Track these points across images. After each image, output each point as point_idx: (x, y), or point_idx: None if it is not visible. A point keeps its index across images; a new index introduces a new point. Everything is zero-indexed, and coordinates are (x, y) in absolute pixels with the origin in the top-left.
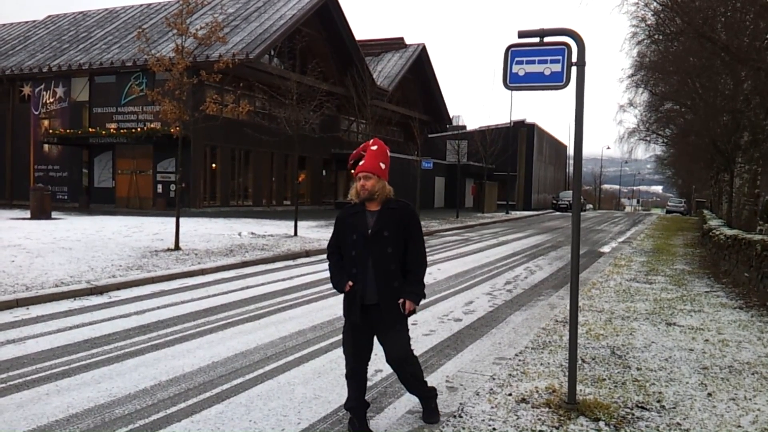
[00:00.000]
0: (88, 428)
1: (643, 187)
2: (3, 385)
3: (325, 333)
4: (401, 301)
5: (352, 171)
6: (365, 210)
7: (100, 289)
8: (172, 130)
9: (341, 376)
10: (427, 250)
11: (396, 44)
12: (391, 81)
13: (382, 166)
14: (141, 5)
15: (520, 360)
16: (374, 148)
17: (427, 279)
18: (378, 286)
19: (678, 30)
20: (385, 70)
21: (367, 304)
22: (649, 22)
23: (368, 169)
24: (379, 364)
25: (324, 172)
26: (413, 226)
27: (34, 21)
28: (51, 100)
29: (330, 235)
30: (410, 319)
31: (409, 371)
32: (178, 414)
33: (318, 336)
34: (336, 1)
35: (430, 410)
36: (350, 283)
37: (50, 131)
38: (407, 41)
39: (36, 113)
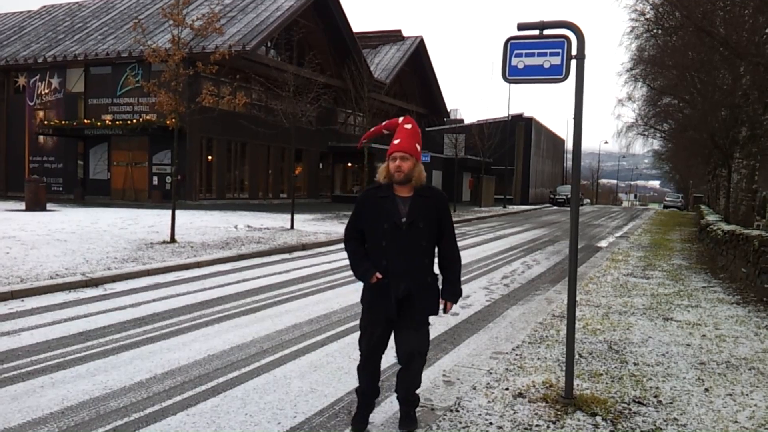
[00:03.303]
0: (83, 421)
1: (640, 182)
2: None
3: (321, 326)
4: (443, 302)
5: (357, 146)
6: (395, 195)
7: (95, 281)
8: (167, 122)
9: (338, 370)
10: None
11: (394, 36)
12: (389, 74)
13: (418, 147)
14: None
15: (517, 354)
16: (408, 126)
17: None
18: (411, 281)
19: (677, 24)
20: (383, 63)
21: (398, 298)
22: (648, 16)
23: (406, 149)
24: None
25: (321, 165)
26: (447, 217)
27: (29, 11)
28: (46, 90)
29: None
30: None
31: (417, 368)
32: (173, 407)
33: (314, 329)
34: None
35: (410, 417)
36: (378, 275)
37: (45, 122)
38: (405, 33)
39: (31, 104)
